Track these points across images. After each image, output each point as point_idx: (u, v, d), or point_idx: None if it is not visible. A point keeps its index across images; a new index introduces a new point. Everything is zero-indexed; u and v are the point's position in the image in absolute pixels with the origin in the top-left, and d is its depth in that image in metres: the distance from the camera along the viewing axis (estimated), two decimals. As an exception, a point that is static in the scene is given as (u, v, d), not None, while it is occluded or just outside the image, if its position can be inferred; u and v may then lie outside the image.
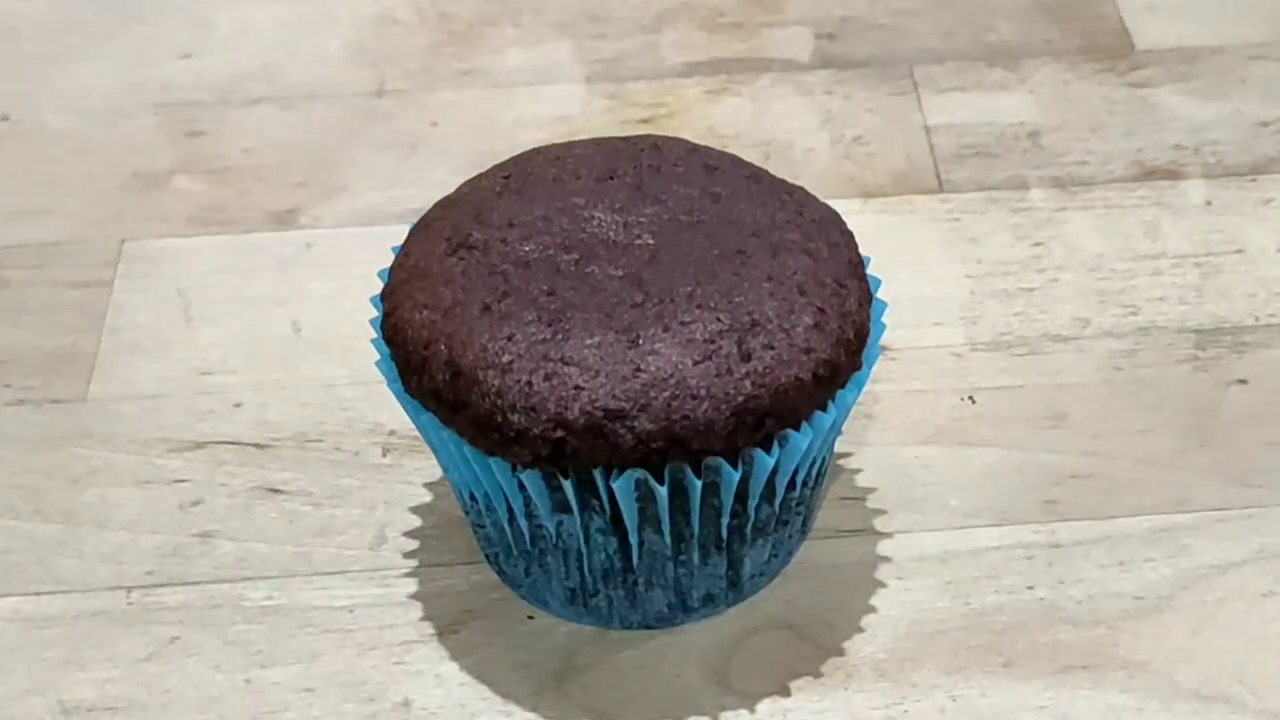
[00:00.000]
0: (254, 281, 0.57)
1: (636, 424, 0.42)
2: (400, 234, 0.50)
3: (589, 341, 0.43)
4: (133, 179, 0.60)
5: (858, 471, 0.51)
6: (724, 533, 0.45)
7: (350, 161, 0.61)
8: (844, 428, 0.46)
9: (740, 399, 0.43)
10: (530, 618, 0.47)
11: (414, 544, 0.49)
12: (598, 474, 0.43)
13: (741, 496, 0.44)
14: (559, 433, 0.43)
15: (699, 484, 0.43)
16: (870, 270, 0.47)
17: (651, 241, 0.45)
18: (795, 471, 0.45)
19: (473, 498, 0.46)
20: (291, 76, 0.64)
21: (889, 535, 0.49)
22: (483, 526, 0.47)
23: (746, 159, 0.49)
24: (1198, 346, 0.54)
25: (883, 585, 0.48)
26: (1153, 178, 0.60)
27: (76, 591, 0.48)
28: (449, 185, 0.51)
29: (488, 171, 0.48)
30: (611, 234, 0.45)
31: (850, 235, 0.47)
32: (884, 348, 0.47)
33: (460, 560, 0.49)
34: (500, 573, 0.48)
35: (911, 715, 0.45)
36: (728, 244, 0.45)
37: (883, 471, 0.51)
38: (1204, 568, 0.48)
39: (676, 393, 0.43)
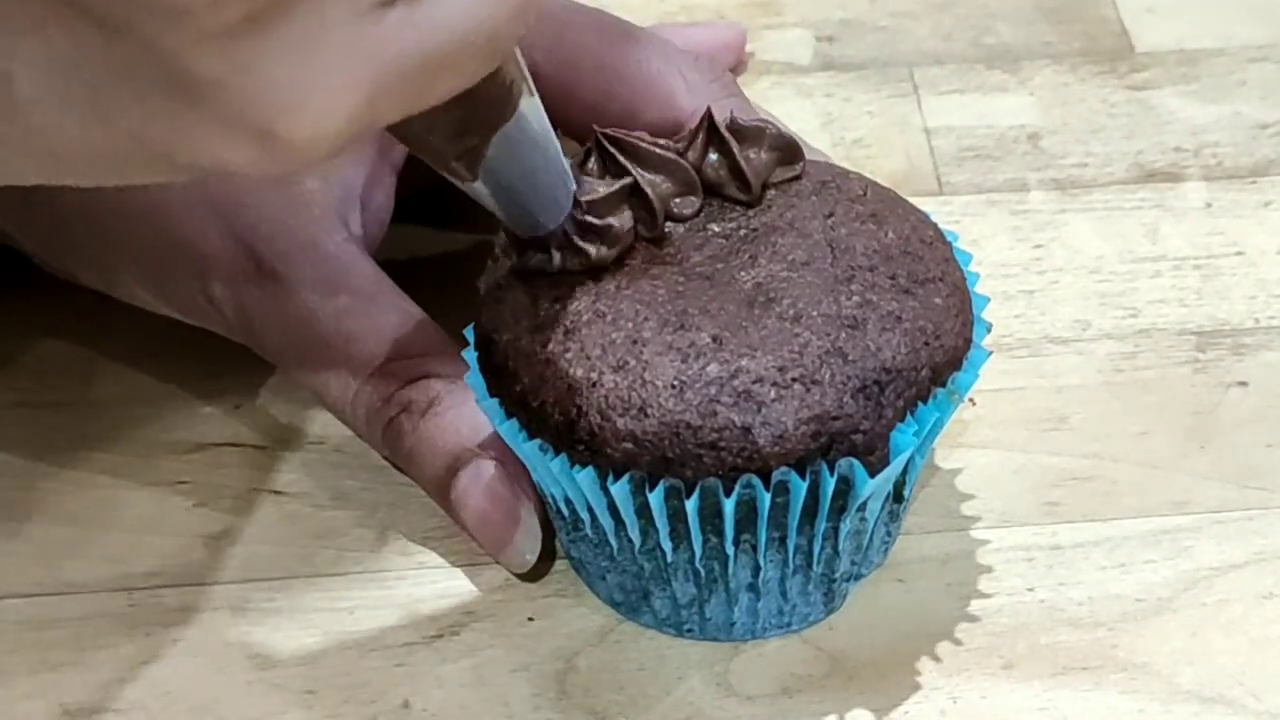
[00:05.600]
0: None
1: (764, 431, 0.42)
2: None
3: (708, 353, 0.43)
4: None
5: (858, 473, 0.51)
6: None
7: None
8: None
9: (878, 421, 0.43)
10: (530, 619, 0.48)
11: (415, 546, 0.49)
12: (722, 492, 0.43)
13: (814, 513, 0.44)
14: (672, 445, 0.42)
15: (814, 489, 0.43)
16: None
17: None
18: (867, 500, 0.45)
19: (589, 511, 0.45)
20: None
21: (889, 537, 0.49)
22: (603, 545, 0.46)
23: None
24: (1198, 349, 0.54)
25: (883, 587, 0.48)
26: (1153, 180, 0.60)
27: (78, 593, 0.49)
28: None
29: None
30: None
31: (959, 270, 0.46)
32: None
33: (461, 562, 0.49)
34: (615, 599, 0.48)
35: (912, 717, 0.45)
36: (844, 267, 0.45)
37: (883, 473, 0.51)
38: (1204, 569, 0.48)
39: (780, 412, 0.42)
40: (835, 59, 0.65)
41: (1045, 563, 0.48)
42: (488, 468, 0.47)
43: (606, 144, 0.45)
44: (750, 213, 0.46)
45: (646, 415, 0.42)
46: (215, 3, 0.32)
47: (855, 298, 0.44)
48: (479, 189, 0.41)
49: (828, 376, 0.43)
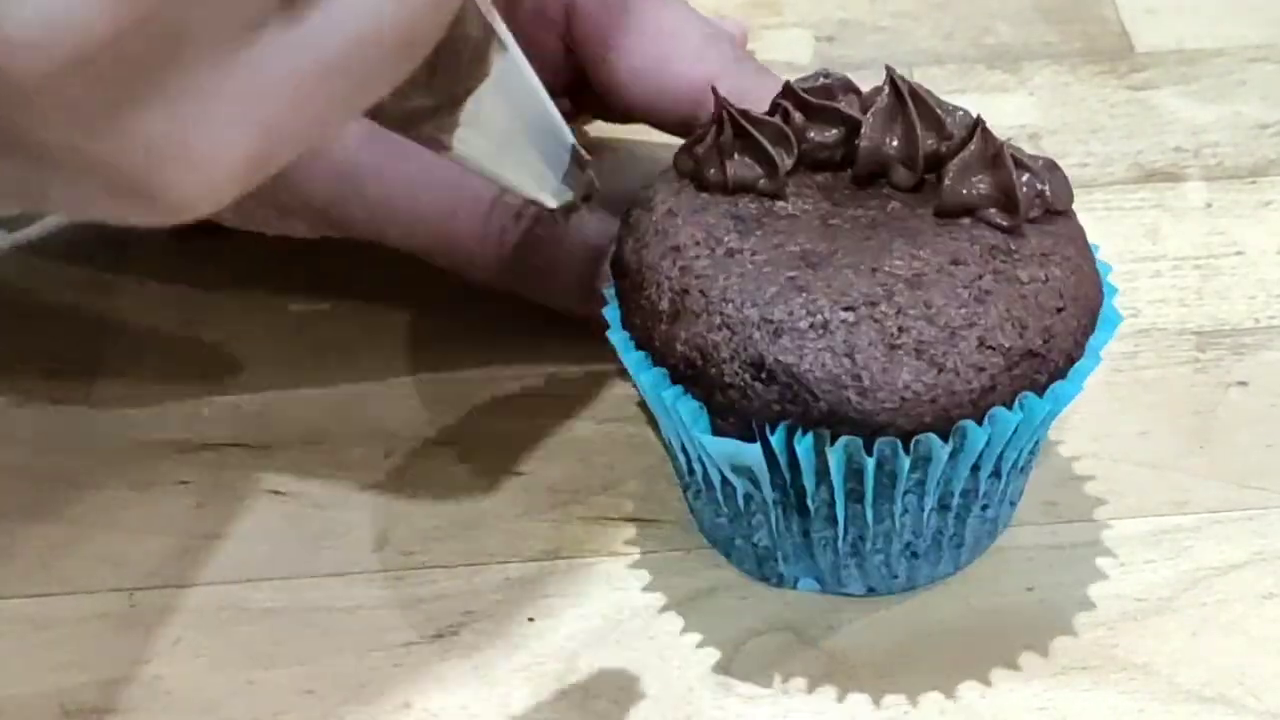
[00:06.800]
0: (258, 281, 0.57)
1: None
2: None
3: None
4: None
5: (858, 473, 0.51)
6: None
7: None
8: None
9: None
10: (530, 619, 0.48)
11: (415, 546, 0.49)
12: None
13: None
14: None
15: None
16: None
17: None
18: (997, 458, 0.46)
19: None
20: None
21: (889, 537, 0.49)
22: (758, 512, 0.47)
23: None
24: (1198, 348, 0.54)
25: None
26: (1153, 180, 0.60)
27: (79, 593, 0.49)
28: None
29: None
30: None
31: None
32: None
33: (461, 562, 0.49)
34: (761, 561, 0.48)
35: (911, 716, 0.45)
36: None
37: (883, 473, 0.51)
38: (1204, 569, 0.48)
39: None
40: (835, 59, 0.65)
41: (1045, 562, 0.48)
42: None
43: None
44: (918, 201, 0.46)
45: (802, 369, 0.43)
46: (53, 80, 0.29)
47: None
48: (459, 156, 0.39)
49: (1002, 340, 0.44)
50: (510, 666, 0.46)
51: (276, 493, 0.51)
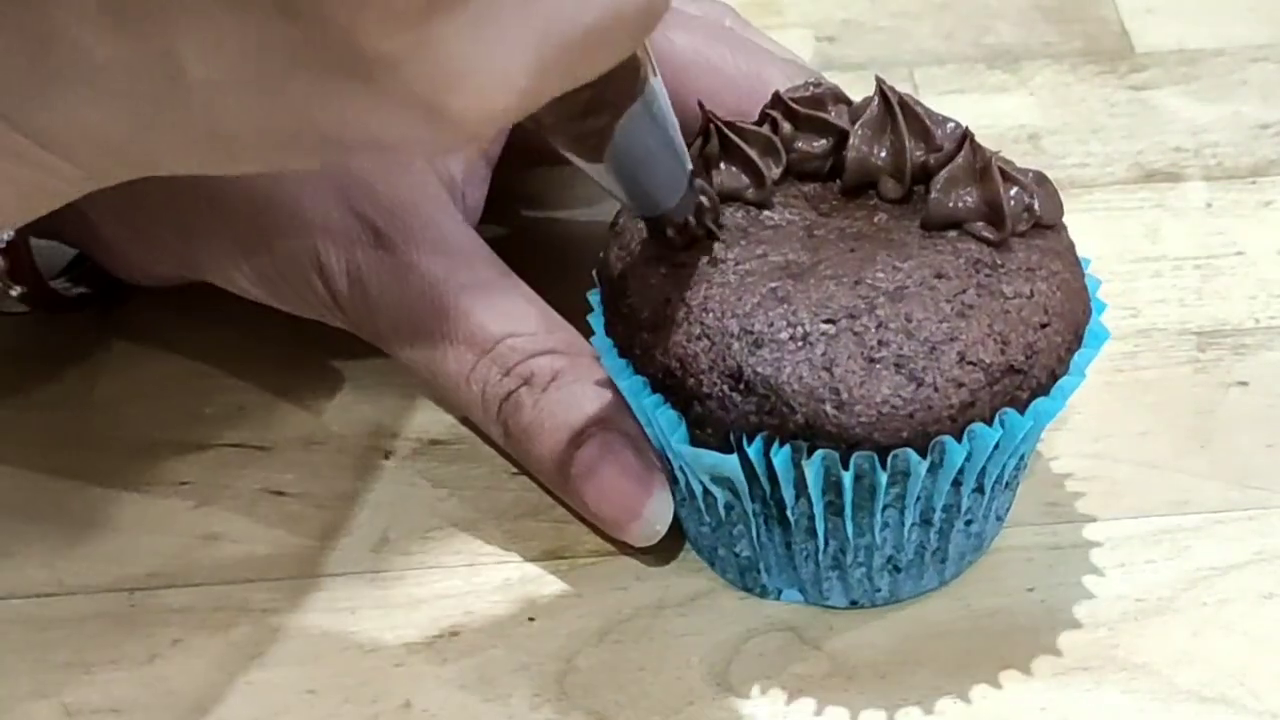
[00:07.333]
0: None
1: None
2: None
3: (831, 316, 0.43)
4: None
5: (858, 473, 0.51)
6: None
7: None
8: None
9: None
10: (530, 619, 0.48)
11: (416, 546, 0.49)
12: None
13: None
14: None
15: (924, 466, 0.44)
16: None
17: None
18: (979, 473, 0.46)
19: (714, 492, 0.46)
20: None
21: (890, 537, 0.49)
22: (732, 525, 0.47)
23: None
24: (1198, 348, 0.54)
25: (883, 587, 0.48)
26: (1153, 180, 0.60)
27: (79, 593, 0.49)
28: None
29: None
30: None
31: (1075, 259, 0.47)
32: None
33: (461, 562, 0.49)
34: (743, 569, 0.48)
35: (911, 717, 0.45)
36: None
37: (883, 473, 0.51)
38: (1205, 569, 0.48)
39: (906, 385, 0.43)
40: (836, 59, 0.65)
41: (1045, 562, 0.48)
42: (617, 439, 0.47)
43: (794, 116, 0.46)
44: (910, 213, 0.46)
45: (779, 381, 0.43)
46: None
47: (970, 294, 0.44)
48: (601, 170, 0.41)
49: (983, 356, 0.43)
50: (510, 666, 0.46)
51: (276, 493, 0.51)
